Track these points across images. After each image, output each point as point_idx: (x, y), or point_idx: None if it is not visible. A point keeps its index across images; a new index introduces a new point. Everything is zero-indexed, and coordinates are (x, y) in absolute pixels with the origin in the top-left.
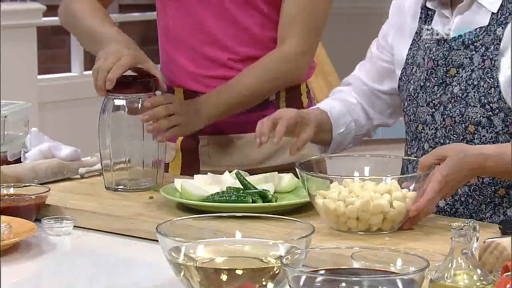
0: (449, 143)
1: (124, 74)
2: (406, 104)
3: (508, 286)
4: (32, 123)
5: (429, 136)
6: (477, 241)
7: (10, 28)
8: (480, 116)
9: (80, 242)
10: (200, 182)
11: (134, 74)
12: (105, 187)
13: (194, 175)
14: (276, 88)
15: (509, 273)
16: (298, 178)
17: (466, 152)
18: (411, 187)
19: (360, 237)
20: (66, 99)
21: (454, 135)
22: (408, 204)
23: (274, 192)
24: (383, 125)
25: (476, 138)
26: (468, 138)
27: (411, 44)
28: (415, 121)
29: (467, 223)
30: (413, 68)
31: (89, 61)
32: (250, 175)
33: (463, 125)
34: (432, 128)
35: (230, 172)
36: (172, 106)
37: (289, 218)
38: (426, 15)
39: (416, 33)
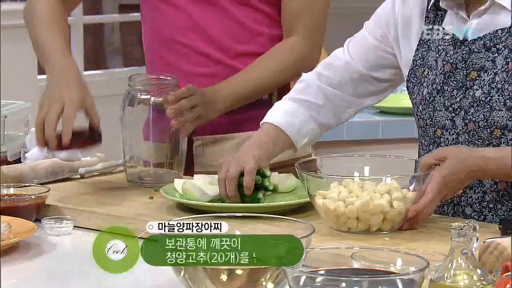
0: (474, 148)
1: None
2: (420, 108)
3: (508, 286)
4: (32, 123)
5: (450, 141)
6: (477, 241)
7: (10, 28)
8: (507, 120)
9: (80, 242)
10: (200, 182)
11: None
12: (127, 180)
13: (194, 175)
14: (285, 79)
15: (509, 273)
16: (298, 178)
17: (467, 154)
18: (411, 187)
19: (360, 237)
20: None
21: (479, 140)
22: (408, 205)
23: (273, 192)
24: (361, 108)
25: (503, 142)
26: (495, 143)
27: (418, 45)
28: (432, 125)
29: (467, 223)
30: (424, 70)
31: (89, 61)
32: None
33: (488, 129)
34: (453, 133)
35: None
36: (194, 98)
37: (289, 218)
38: (436, 15)
39: (423, 32)
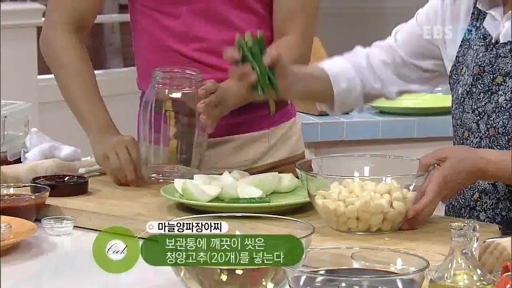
0: None
1: (59, 175)
2: (454, 107)
3: (508, 286)
4: (32, 123)
5: (474, 144)
6: (477, 241)
7: (10, 28)
8: None
9: (80, 242)
10: (200, 182)
11: (70, 174)
12: (148, 176)
13: (194, 175)
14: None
15: (509, 273)
16: (298, 178)
17: (467, 154)
18: (411, 187)
19: (360, 237)
20: None
21: (498, 147)
22: (408, 205)
23: (273, 192)
24: (405, 90)
25: None
26: None
27: (461, 41)
28: (461, 126)
29: (467, 223)
30: (462, 68)
31: None
32: (250, 175)
33: (506, 137)
34: (477, 137)
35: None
36: (218, 94)
37: (289, 218)
38: (479, 13)
39: (468, 30)
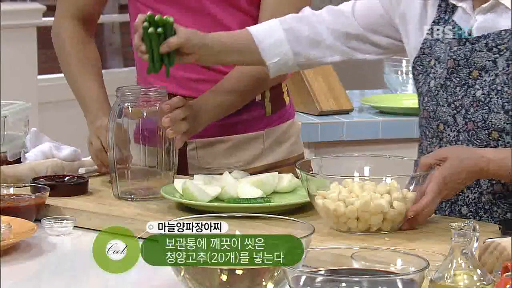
0: (473, 147)
1: (59, 175)
2: (426, 100)
3: (508, 286)
4: (32, 123)
5: (451, 137)
6: (477, 241)
7: (10, 28)
8: (504, 123)
9: (80, 242)
10: (200, 182)
11: (70, 174)
12: (118, 196)
13: (194, 175)
14: (272, 81)
15: (509, 273)
16: (298, 178)
17: (467, 154)
18: (411, 187)
19: (360, 237)
20: (66, 99)
21: (478, 140)
22: (408, 205)
23: (273, 192)
24: (348, 58)
25: (501, 145)
26: (492, 145)
27: (427, 33)
28: (435, 119)
29: (467, 223)
30: (431, 60)
31: None
32: (250, 175)
33: (486, 131)
34: (454, 130)
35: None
36: (184, 109)
37: (289, 218)
38: (447, 5)
39: (434, 21)
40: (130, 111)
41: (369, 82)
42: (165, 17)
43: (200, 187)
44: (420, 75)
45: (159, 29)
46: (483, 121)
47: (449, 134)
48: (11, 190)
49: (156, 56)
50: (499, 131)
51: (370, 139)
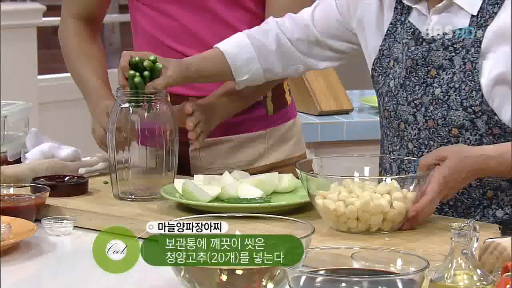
0: (434, 144)
1: (59, 175)
2: (386, 100)
3: (508, 286)
4: (32, 123)
5: (412, 136)
6: (477, 241)
7: (10, 28)
8: (463, 119)
9: (80, 242)
10: (200, 182)
11: (70, 174)
12: (118, 196)
13: (194, 175)
14: (278, 80)
15: (509, 273)
16: (298, 178)
17: (467, 153)
18: (411, 188)
19: (360, 237)
20: (66, 99)
21: (438, 137)
22: (408, 205)
23: (273, 192)
24: (312, 69)
25: (461, 141)
26: (453, 141)
27: (386, 35)
28: (396, 118)
29: (467, 223)
30: (390, 61)
31: None
32: (250, 175)
33: (446, 128)
34: (415, 128)
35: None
36: (198, 112)
37: (289, 218)
38: (403, 7)
39: (391, 23)
40: (130, 111)
41: (369, 82)
42: (150, 59)
43: (200, 187)
44: (380, 76)
45: (145, 73)
46: (442, 119)
47: (410, 133)
48: (11, 190)
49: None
50: (459, 127)
51: (370, 139)
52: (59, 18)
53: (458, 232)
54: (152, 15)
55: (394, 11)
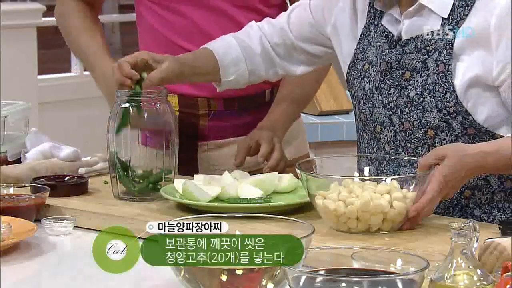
0: (410, 146)
1: (59, 175)
2: (362, 103)
3: (508, 286)
4: (32, 123)
5: (388, 138)
6: (477, 241)
7: (10, 28)
8: (438, 121)
9: (80, 242)
10: (200, 182)
11: (70, 174)
12: (118, 196)
13: (194, 175)
14: (320, 84)
15: (509, 273)
16: (298, 178)
17: (465, 151)
18: (411, 188)
19: (360, 237)
20: (66, 99)
21: (415, 139)
22: (408, 205)
23: (273, 192)
24: (290, 74)
25: (437, 142)
26: (429, 142)
27: (360, 39)
28: (372, 121)
29: (467, 223)
30: (364, 65)
31: None
32: (250, 175)
33: (422, 129)
34: (391, 131)
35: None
36: (267, 145)
37: (289, 218)
38: (376, 11)
39: (365, 27)
40: (130, 111)
41: None
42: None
43: (200, 187)
44: (356, 79)
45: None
46: (418, 121)
47: (386, 135)
48: (11, 190)
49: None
50: (435, 129)
51: None
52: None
53: (458, 232)
54: (161, 13)
55: (368, 15)
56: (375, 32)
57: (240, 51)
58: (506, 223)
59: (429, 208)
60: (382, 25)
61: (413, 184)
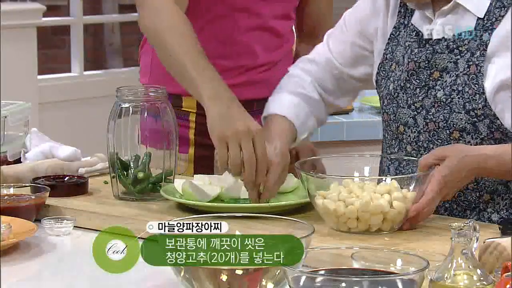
0: (433, 147)
1: (59, 175)
2: (386, 103)
3: (508, 286)
4: (32, 123)
5: (411, 138)
6: (477, 241)
7: (10, 28)
8: (465, 122)
9: (80, 242)
10: (200, 182)
11: (70, 174)
12: (118, 196)
13: (194, 175)
14: None
15: (509, 273)
16: (298, 178)
17: (466, 152)
18: (411, 188)
19: (360, 237)
20: (66, 99)
21: (439, 140)
22: (408, 205)
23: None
24: (336, 107)
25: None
26: (453, 144)
27: (389, 39)
28: (395, 121)
29: (467, 223)
30: (391, 64)
31: (89, 61)
32: None
33: (448, 131)
34: (415, 131)
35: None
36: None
37: (289, 218)
38: (406, 10)
39: (394, 27)
40: (130, 111)
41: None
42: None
43: (200, 187)
44: (383, 80)
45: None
46: (444, 121)
47: (409, 135)
48: (11, 190)
49: None
50: (460, 130)
51: (370, 139)
52: (59, 18)
53: (458, 232)
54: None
55: (398, 15)
56: (404, 31)
57: (305, 106)
58: (506, 223)
59: (429, 209)
60: (412, 24)
61: (413, 184)
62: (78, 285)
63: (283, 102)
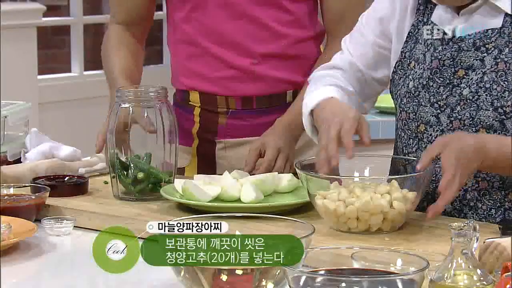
0: None
1: (59, 175)
2: (404, 101)
3: (508, 286)
4: (32, 123)
5: (433, 137)
6: (477, 241)
7: (10, 28)
8: (493, 120)
9: (80, 242)
10: (200, 182)
11: (70, 174)
12: (118, 196)
13: (194, 175)
14: None
15: (509, 273)
16: (298, 178)
17: (465, 134)
18: (411, 188)
19: (360, 237)
20: (66, 99)
21: None
22: (408, 205)
23: (273, 192)
24: (361, 109)
25: None
26: None
27: (407, 37)
28: (415, 120)
29: (467, 223)
30: (410, 62)
31: (89, 61)
32: (250, 175)
33: (474, 128)
34: (437, 130)
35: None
36: (282, 155)
37: (289, 218)
38: (426, 8)
39: (413, 25)
40: (130, 111)
41: None
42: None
43: (200, 187)
44: (400, 78)
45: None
46: (470, 119)
47: (431, 134)
48: (11, 190)
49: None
50: (487, 128)
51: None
52: (59, 18)
53: (458, 232)
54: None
55: (416, 13)
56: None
57: (346, 96)
58: (506, 223)
59: (453, 188)
60: (431, 22)
61: (413, 184)
62: (78, 285)
63: (326, 92)
